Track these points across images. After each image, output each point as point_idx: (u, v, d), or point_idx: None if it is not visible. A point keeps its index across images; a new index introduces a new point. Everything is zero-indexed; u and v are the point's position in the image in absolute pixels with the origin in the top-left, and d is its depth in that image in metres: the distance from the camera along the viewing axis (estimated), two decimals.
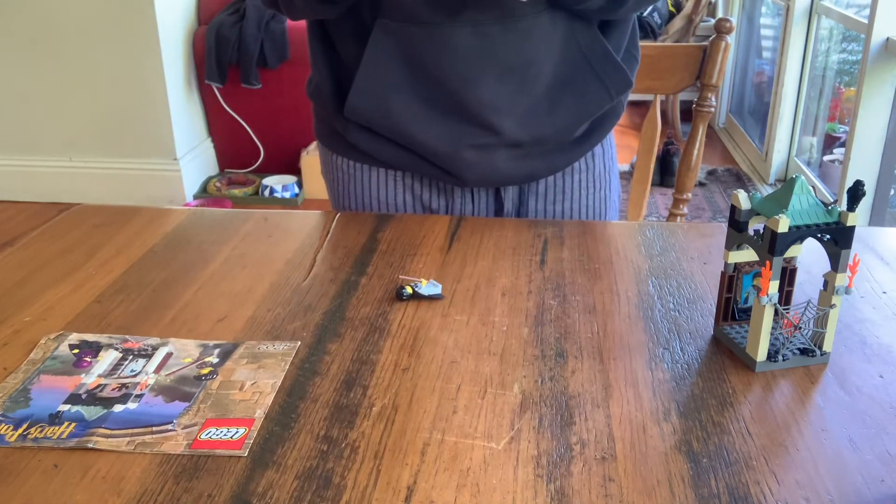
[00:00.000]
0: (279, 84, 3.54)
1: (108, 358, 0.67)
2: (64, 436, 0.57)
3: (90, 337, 0.70)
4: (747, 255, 0.67)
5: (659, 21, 4.25)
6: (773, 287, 0.62)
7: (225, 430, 0.58)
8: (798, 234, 0.61)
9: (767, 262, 0.61)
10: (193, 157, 3.52)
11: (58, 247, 0.89)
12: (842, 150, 3.24)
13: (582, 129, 1.03)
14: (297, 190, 3.49)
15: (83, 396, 0.62)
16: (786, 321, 0.65)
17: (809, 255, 0.84)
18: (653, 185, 3.45)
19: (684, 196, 1.35)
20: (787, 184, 0.63)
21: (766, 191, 3.55)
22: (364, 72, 0.93)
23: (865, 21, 2.59)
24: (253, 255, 0.87)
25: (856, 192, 0.62)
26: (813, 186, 2.77)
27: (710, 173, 3.74)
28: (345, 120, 1.00)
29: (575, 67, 0.96)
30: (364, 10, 0.92)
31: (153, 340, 0.70)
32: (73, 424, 0.59)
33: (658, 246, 0.88)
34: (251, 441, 0.57)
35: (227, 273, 0.82)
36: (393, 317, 0.73)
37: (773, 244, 0.61)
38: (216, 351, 0.68)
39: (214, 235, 0.91)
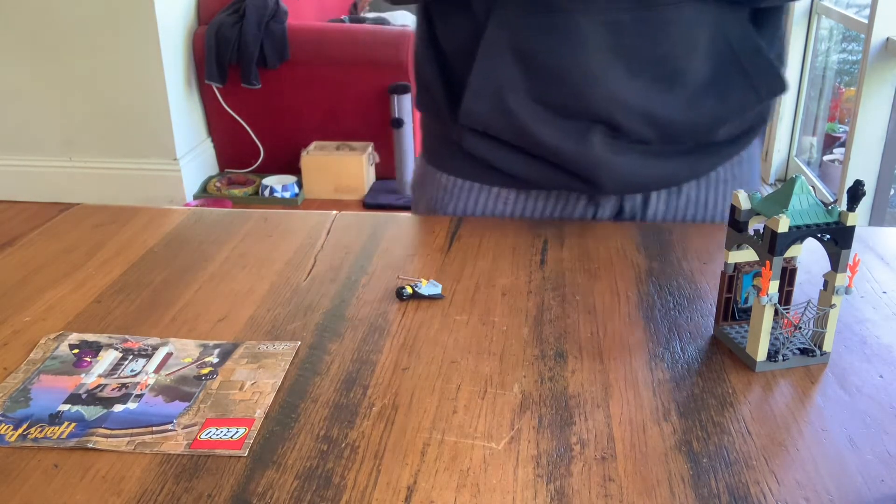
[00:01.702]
0: (279, 84, 3.54)
1: (108, 358, 0.67)
2: (64, 436, 0.57)
3: (90, 337, 0.70)
4: (747, 255, 0.67)
5: None
6: (773, 287, 0.62)
7: (225, 430, 0.58)
8: (798, 234, 0.61)
9: (767, 262, 0.61)
10: (193, 157, 3.52)
11: (58, 247, 0.89)
12: (842, 150, 3.24)
13: (727, 133, 0.93)
14: (297, 190, 3.49)
15: (83, 396, 0.62)
16: (786, 321, 0.65)
17: (809, 255, 0.84)
18: None
19: None
20: (787, 184, 0.63)
21: (766, 191, 3.55)
22: (478, 72, 0.86)
23: (865, 21, 2.59)
24: (253, 255, 0.87)
25: (856, 192, 0.62)
26: (813, 186, 2.77)
27: None
28: (460, 127, 0.92)
29: (721, 65, 0.86)
30: (476, 3, 0.85)
31: (153, 340, 0.70)
32: (73, 424, 0.59)
33: (658, 246, 0.88)
34: (251, 441, 0.57)
35: (227, 273, 0.82)
36: (393, 317, 0.73)
37: (773, 244, 0.61)
38: (216, 351, 0.68)
39: (214, 235, 0.91)
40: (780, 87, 0.90)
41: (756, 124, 0.97)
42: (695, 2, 0.81)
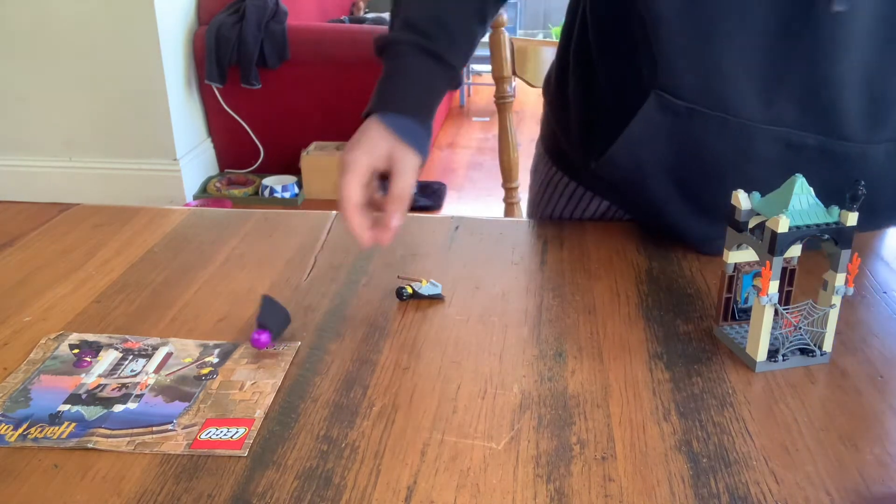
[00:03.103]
0: (279, 84, 3.54)
1: (108, 358, 0.67)
2: (64, 436, 0.57)
3: (90, 337, 0.70)
4: (747, 255, 0.67)
5: None
6: (773, 287, 0.62)
7: (225, 430, 0.58)
8: (798, 234, 0.61)
9: (767, 262, 0.61)
10: (193, 158, 3.52)
11: (58, 247, 0.89)
12: None
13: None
14: (296, 190, 3.49)
15: (83, 396, 0.62)
16: (786, 321, 0.65)
17: (810, 256, 0.84)
18: None
19: None
20: (787, 184, 0.63)
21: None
22: (623, 143, 0.79)
23: None
24: (253, 255, 0.87)
25: (855, 192, 0.62)
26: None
27: None
28: (586, 156, 0.87)
29: None
30: (645, 65, 0.76)
31: (153, 340, 0.70)
32: (73, 424, 0.59)
33: (658, 246, 0.88)
34: (251, 441, 0.57)
35: (227, 273, 0.82)
36: (393, 317, 0.73)
37: (773, 244, 0.61)
38: (216, 351, 0.68)
39: (214, 235, 0.91)
40: None
41: None
42: (891, 143, 0.75)
